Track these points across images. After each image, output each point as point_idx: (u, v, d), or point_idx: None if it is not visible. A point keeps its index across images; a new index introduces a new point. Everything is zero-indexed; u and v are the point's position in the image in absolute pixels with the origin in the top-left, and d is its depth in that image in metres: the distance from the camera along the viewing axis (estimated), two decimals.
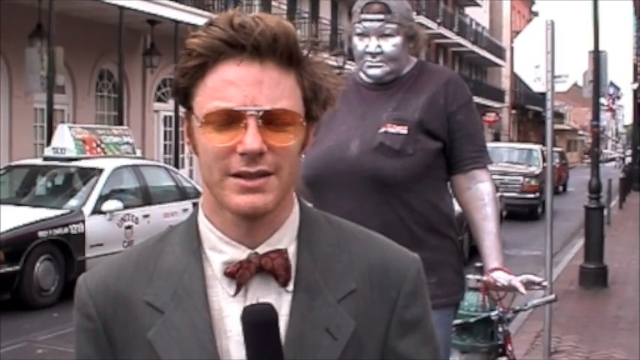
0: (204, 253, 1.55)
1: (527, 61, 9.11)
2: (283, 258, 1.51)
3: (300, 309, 1.50)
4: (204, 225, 1.56)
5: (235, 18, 1.46)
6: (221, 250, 1.53)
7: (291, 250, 1.54)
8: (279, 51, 1.46)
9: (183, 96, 1.52)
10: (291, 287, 1.52)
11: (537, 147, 28.82)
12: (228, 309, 1.50)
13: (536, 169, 26.29)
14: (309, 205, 1.67)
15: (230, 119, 1.44)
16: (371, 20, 3.55)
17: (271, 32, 1.45)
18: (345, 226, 1.64)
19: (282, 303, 1.51)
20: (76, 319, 1.59)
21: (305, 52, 1.51)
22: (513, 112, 69.65)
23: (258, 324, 1.41)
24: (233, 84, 1.45)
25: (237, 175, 1.45)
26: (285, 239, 1.54)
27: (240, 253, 1.51)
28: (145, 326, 1.51)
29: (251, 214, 1.47)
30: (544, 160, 25.64)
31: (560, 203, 25.12)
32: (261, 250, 1.51)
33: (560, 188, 35.37)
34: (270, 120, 1.45)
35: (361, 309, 1.53)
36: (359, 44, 3.60)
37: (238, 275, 1.50)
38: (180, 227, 1.60)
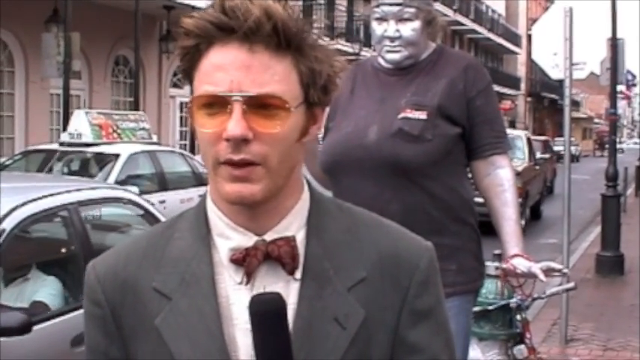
0: (212, 240, 1.53)
1: (546, 48, 9.06)
2: (290, 245, 1.49)
3: (309, 297, 1.48)
4: (212, 211, 1.55)
5: (228, 1, 1.43)
6: (228, 237, 1.51)
7: (300, 237, 1.51)
8: (269, 35, 1.42)
9: (188, 80, 1.51)
10: (299, 275, 1.49)
11: (522, 133, 22.05)
12: (235, 296, 1.49)
13: (519, 165, 18.36)
14: (323, 191, 1.64)
15: (217, 104, 1.43)
16: (390, 4, 3.52)
17: (261, 16, 1.41)
18: (356, 213, 1.61)
19: (290, 291, 1.49)
20: (85, 306, 1.59)
21: (302, 35, 1.47)
22: (529, 99, 69.43)
23: (266, 314, 1.39)
24: (221, 68, 1.43)
25: (225, 163, 1.43)
26: (293, 226, 1.52)
27: (247, 240, 1.49)
28: (153, 313, 1.51)
29: (239, 203, 1.46)
30: (531, 151, 21.01)
31: (549, 208, 21.55)
32: (269, 237, 1.49)
33: (546, 191, 24.85)
34: (257, 105, 1.42)
35: (371, 298, 1.50)
36: (377, 29, 3.57)
37: (246, 263, 1.48)
38: (190, 213, 1.59)
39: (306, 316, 1.47)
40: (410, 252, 1.56)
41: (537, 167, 21.34)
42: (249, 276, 1.48)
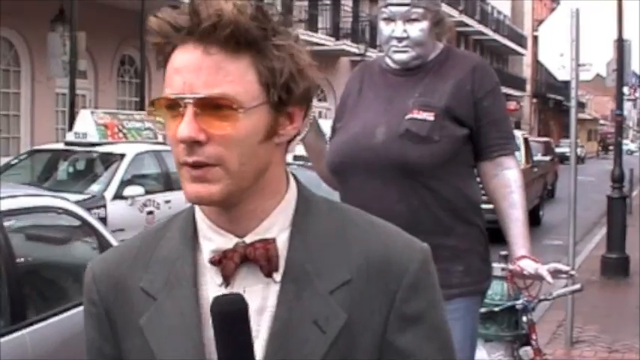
0: (198, 241, 1.53)
1: (552, 49, 9.06)
2: (265, 248, 1.47)
3: (287, 300, 1.46)
4: (198, 213, 1.55)
5: (193, 2, 1.43)
6: (210, 238, 1.51)
7: (283, 239, 1.49)
8: (222, 35, 1.41)
9: None
10: (279, 277, 1.47)
11: (519, 134, 19.95)
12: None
13: None
14: (333, 192, 1.60)
15: (175, 107, 1.43)
16: (397, 4, 3.51)
17: (213, 16, 1.40)
18: (349, 214, 1.58)
19: (270, 294, 1.47)
20: (84, 304, 1.62)
21: (258, 34, 1.43)
22: (534, 100, 69.36)
23: (227, 314, 1.38)
24: (177, 71, 1.44)
25: (184, 164, 1.44)
26: (275, 227, 1.50)
27: (227, 242, 1.48)
28: (140, 312, 1.52)
29: (198, 203, 1.47)
30: (529, 153, 20.23)
31: (550, 213, 21.32)
32: (249, 239, 1.48)
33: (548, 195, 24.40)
34: (209, 107, 1.41)
35: (356, 301, 1.46)
36: (385, 29, 3.56)
37: (222, 266, 1.47)
38: (182, 214, 1.59)
39: (284, 318, 1.45)
40: (400, 254, 1.51)
41: (535, 170, 20.55)
42: (227, 278, 1.48)
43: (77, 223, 5.66)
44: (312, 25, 31.59)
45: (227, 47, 1.41)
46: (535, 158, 21.89)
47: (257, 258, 1.46)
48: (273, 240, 1.48)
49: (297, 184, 1.57)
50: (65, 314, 4.98)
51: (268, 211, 1.50)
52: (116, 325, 1.55)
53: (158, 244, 1.56)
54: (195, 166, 1.42)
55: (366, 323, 1.47)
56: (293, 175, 1.57)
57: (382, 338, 1.48)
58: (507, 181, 3.51)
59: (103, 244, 5.56)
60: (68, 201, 5.84)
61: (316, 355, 1.44)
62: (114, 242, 5.62)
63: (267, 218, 1.50)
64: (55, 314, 4.94)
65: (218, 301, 1.39)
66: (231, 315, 1.37)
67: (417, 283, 1.50)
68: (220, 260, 1.48)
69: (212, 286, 1.49)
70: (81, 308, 4.70)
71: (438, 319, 1.53)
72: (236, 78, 1.41)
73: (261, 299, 1.46)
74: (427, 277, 1.52)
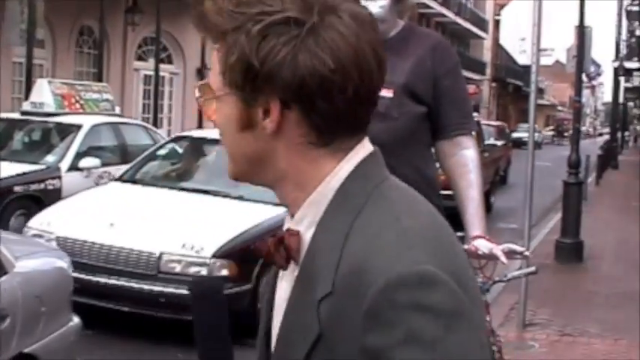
0: None
1: (514, 34, 9.09)
2: (285, 239, 1.41)
3: (292, 300, 1.40)
4: None
5: None
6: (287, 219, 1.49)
7: (309, 235, 1.39)
8: (201, 25, 1.44)
9: None
10: (296, 273, 1.40)
11: None
12: (278, 282, 1.51)
13: None
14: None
15: None
16: None
17: (199, 7, 1.42)
18: (382, 211, 1.35)
19: (290, 288, 1.43)
20: None
21: (225, 26, 1.37)
22: (494, 85, 69.71)
23: (197, 294, 1.47)
24: None
25: None
26: (305, 220, 1.40)
27: (287, 224, 1.46)
28: None
29: None
30: (480, 135, 19.28)
31: (502, 199, 20.78)
32: (291, 226, 1.43)
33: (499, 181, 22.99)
34: None
35: (333, 316, 1.29)
36: None
37: (257, 246, 1.48)
38: None
39: (283, 318, 1.42)
40: (373, 270, 1.26)
41: (486, 155, 19.39)
42: (266, 260, 1.47)
43: None
44: None
45: (212, 37, 1.44)
46: (487, 142, 21.80)
47: (273, 247, 1.44)
48: (297, 232, 1.40)
49: (352, 175, 1.40)
50: None
51: (298, 202, 1.42)
52: None
53: None
54: None
55: (345, 342, 1.28)
56: (363, 165, 1.43)
57: None
58: (465, 160, 3.51)
59: None
60: None
61: None
62: None
63: (301, 208, 1.41)
64: None
65: (193, 280, 1.51)
66: (201, 295, 1.46)
67: (375, 313, 1.24)
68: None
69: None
70: None
71: None
72: (214, 68, 1.44)
73: (284, 291, 1.44)
74: (389, 310, 1.23)
